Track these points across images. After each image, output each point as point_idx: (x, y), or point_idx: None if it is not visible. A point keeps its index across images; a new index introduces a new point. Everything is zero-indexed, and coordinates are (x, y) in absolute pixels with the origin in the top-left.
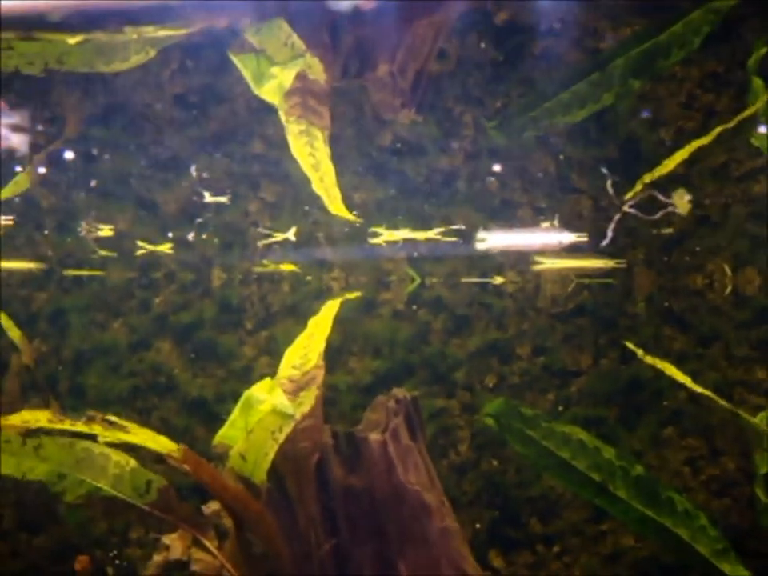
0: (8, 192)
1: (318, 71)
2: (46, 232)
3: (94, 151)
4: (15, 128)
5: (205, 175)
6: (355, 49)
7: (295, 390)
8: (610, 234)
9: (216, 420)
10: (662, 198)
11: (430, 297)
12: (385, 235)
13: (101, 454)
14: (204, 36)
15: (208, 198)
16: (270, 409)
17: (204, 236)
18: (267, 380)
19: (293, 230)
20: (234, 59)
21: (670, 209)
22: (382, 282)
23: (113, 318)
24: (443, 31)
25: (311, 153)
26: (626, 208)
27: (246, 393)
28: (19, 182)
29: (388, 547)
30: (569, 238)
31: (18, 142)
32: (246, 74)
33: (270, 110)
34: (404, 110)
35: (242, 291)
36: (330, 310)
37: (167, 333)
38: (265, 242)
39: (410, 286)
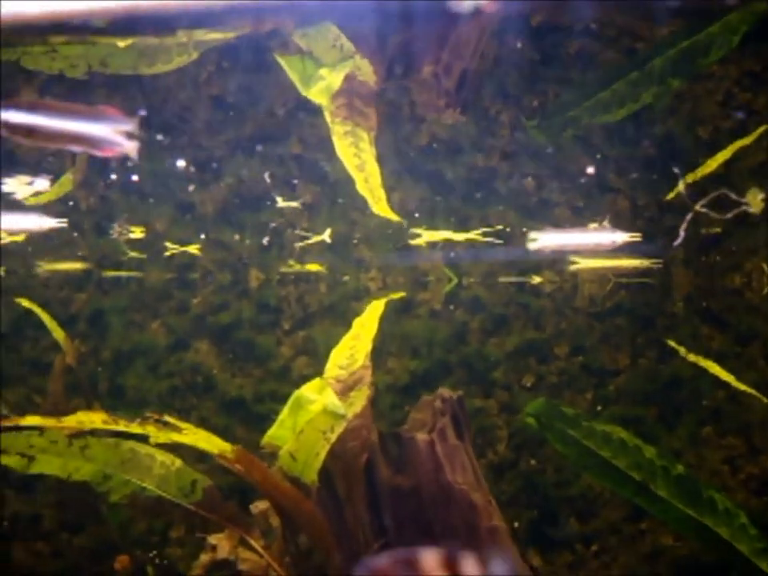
0: (52, 194)
1: (367, 73)
2: (84, 234)
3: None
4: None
5: (243, 176)
6: (400, 50)
7: (343, 390)
8: (682, 233)
9: (254, 420)
10: (734, 197)
11: (467, 297)
12: (425, 236)
13: (146, 455)
14: (240, 38)
15: (281, 202)
16: (321, 409)
17: (240, 237)
18: (317, 380)
19: (328, 231)
20: (281, 61)
21: (743, 207)
22: (420, 283)
23: (151, 318)
24: (486, 31)
25: (356, 154)
26: (698, 207)
27: (296, 393)
28: (63, 184)
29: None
30: (614, 237)
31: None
32: (293, 76)
33: (307, 111)
34: (448, 110)
35: (279, 292)
36: (374, 310)
37: (205, 333)
38: (301, 243)
39: (447, 286)
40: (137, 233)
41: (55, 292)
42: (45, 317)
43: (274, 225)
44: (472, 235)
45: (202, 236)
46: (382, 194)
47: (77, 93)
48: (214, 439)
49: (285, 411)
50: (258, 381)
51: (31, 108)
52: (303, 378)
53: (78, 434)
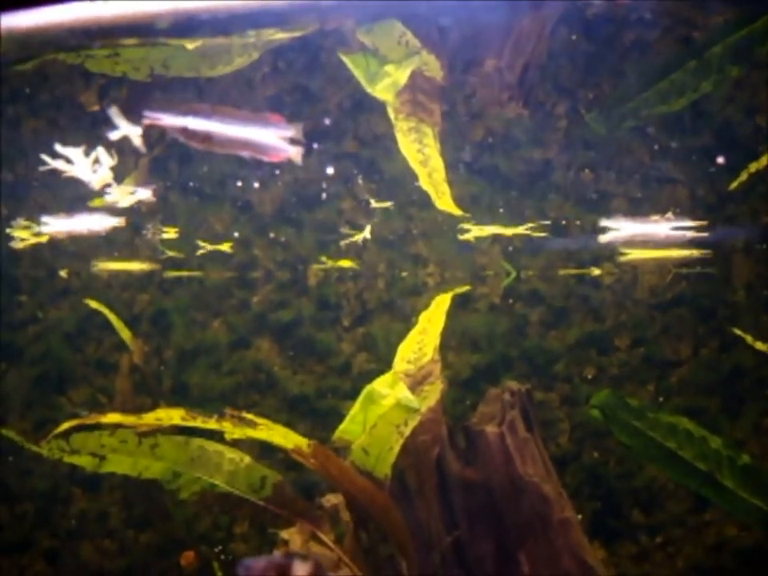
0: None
1: (434, 68)
2: (147, 234)
3: (191, 153)
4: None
5: (300, 175)
6: (462, 45)
7: (412, 384)
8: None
9: (317, 416)
10: None
11: (526, 290)
12: (474, 230)
13: (215, 452)
14: (297, 38)
15: (374, 203)
16: (394, 403)
17: (299, 235)
18: (389, 374)
19: (368, 228)
20: (344, 59)
21: None
22: (478, 277)
23: (212, 317)
24: (548, 24)
25: (420, 149)
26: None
27: (367, 388)
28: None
29: (508, 539)
30: (675, 228)
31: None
32: (358, 73)
33: (364, 108)
34: (511, 103)
35: (338, 288)
36: (441, 304)
37: (266, 331)
38: (345, 241)
39: (505, 279)
40: (170, 232)
41: (118, 293)
42: (111, 317)
43: (332, 222)
44: (521, 230)
45: (262, 235)
46: (445, 188)
47: (135, 96)
48: (291, 434)
49: (356, 406)
50: (320, 377)
51: (207, 114)
52: (364, 373)
53: (148, 433)
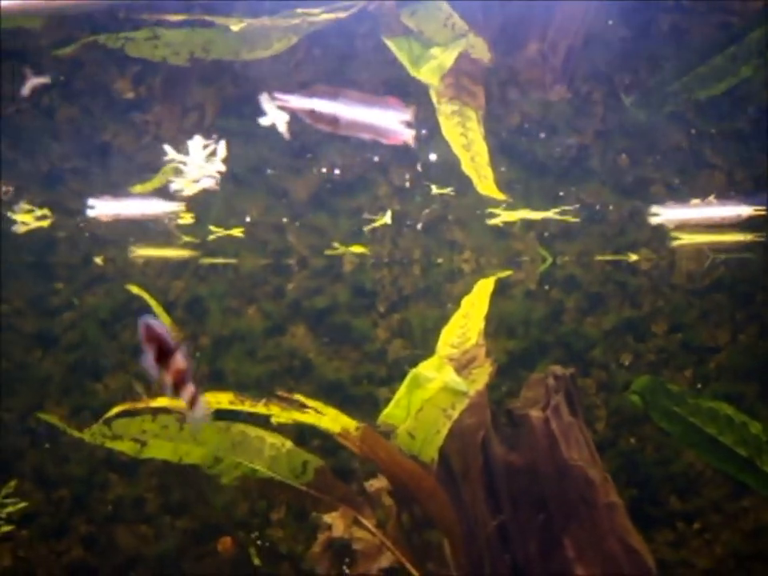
0: (156, 183)
1: (482, 50)
2: (180, 222)
3: (227, 140)
4: (160, 119)
5: (336, 162)
6: (505, 28)
7: (456, 368)
8: None
9: (352, 402)
10: None
11: (562, 276)
12: (503, 215)
13: (256, 437)
14: (334, 22)
15: (435, 189)
16: (441, 387)
17: (334, 222)
18: (435, 358)
19: (389, 213)
20: (388, 42)
21: None
22: (514, 263)
23: (247, 304)
24: (591, 8)
25: (463, 133)
26: None
27: (413, 371)
28: (166, 172)
29: (553, 524)
30: (713, 213)
31: (162, 133)
32: (401, 57)
33: (398, 94)
34: (555, 87)
35: (373, 275)
36: (483, 288)
37: (301, 318)
38: (368, 227)
39: (542, 265)
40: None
41: (153, 279)
42: (152, 302)
43: (368, 209)
44: (549, 214)
45: (296, 222)
46: (488, 172)
47: (171, 81)
48: (341, 417)
49: (401, 390)
50: (355, 363)
51: (333, 96)
52: (400, 359)
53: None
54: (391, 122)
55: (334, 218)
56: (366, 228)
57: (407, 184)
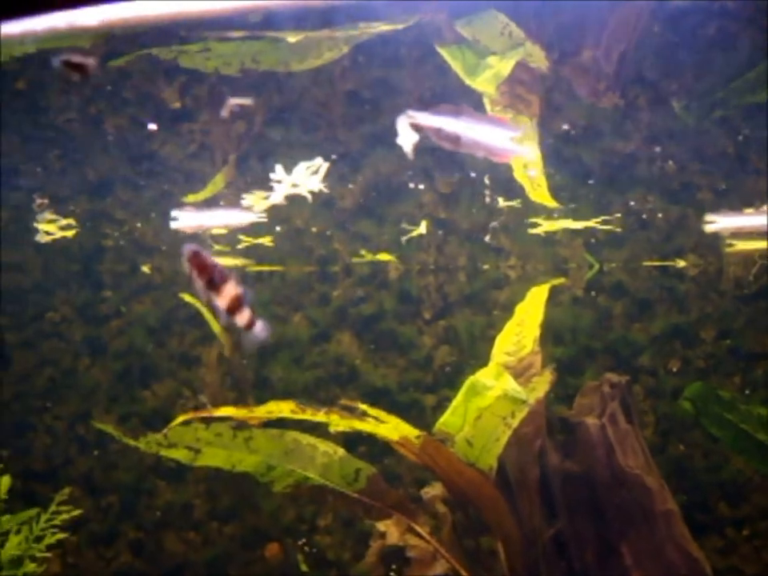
0: (207, 192)
1: (539, 59)
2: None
3: (270, 148)
4: (207, 128)
5: (380, 169)
6: (558, 35)
7: (512, 376)
8: None
9: (399, 409)
10: None
11: (609, 282)
12: (544, 225)
13: (308, 445)
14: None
15: (502, 203)
16: (501, 394)
17: (379, 229)
18: (493, 366)
19: (423, 223)
20: (441, 51)
21: None
22: (561, 269)
23: (293, 311)
24: (644, 14)
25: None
26: None
27: (471, 379)
28: (216, 182)
29: (609, 531)
30: (760, 219)
31: (210, 142)
32: (455, 65)
33: (441, 102)
34: (608, 93)
35: (419, 282)
36: (537, 296)
37: (347, 324)
38: (406, 237)
39: (589, 272)
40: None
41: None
42: (204, 310)
43: (412, 216)
44: (592, 223)
45: (341, 229)
46: (542, 180)
47: (216, 89)
48: (402, 425)
49: (458, 398)
50: (401, 370)
51: (456, 114)
52: (446, 366)
53: (243, 426)
54: (503, 140)
55: (378, 225)
56: (403, 238)
57: (449, 191)
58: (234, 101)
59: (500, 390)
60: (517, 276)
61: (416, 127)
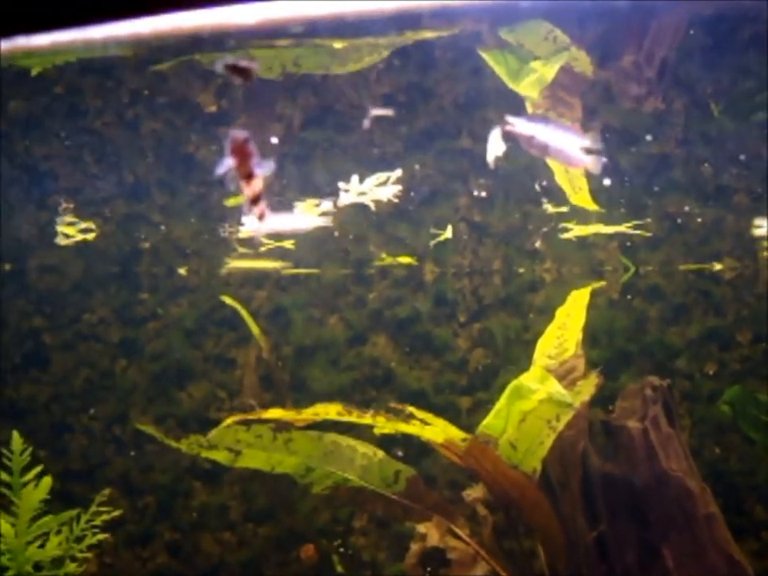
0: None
1: (584, 63)
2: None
3: (307, 151)
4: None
5: (415, 172)
6: (600, 40)
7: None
8: None
9: (435, 411)
10: None
11: (645, 285)
12: (576, 230)
13: (348, 447)
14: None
15: (551, 208)
16: (546, 398)
17: (415, 231)
18: (537, 369)
19: (449, 228)
20: (485, 56)
21: None
22: (596, 272)
23: (329, 314)
24: (686, 18)
25: None
26: None
27: (514, 383)
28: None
29: (651, 534)
30: None
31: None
32: (499, 70)
33: (477, 105)
34: (650, 98)
35: (454, 285)
36: (579, 299)
37: (382, 327)
38: (434, 241)
39: (624, 275)
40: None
41: (236, 290)
42: (243, 312)
43: (448, 220)
44: (623, 228)
45: (377, 231)
46: (583, 184)
47: (251, 92)
48: (450, 428)
49: (501, 401)
50: (437, 373)
51: (544, 122)
52: (481, 369)
53: (282, 428)
54: (575, 147)
55: (414, 227)
56: (431, 242)
57: (484, 193)
58: (375, 111)
59: (544, 393)
60: (552, 279)
61: (508, 135)
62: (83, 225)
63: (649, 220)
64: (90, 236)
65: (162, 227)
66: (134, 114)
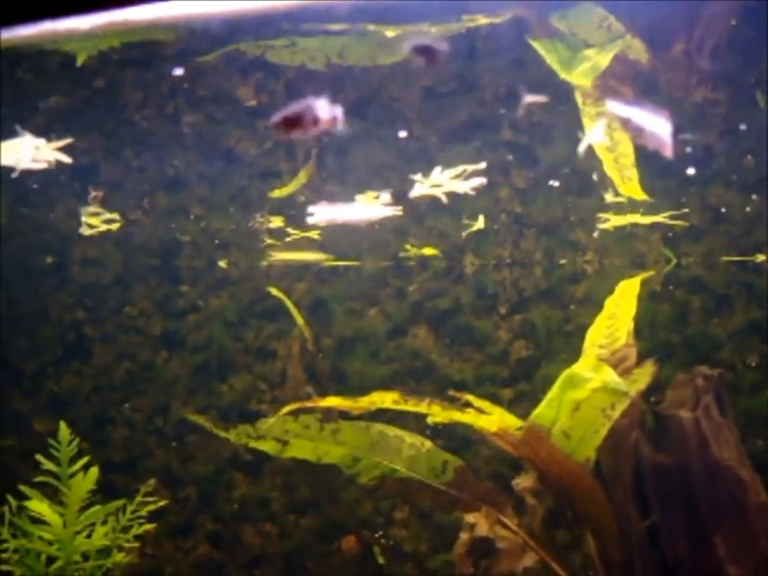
0: (291, 188)
1: (639, 51)
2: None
3: (346, 145)
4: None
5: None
6: (650, 29)
7: None
8: None
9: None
10: None
11: (687, 277)
12: (622, 219)
13: (395, 437)
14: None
15: (594, 199)
16: (601, 386)
17: (454, 223)
18: (590, 359)
19: (481, 218)
20: (535, 45)
21: None
22: (638, 264)
23: (369, 305)
24: (734, 7)
25: (608, 134)
26: None
27: (567, 372)
28: (300, 178)
29: (703, 524)
30: None
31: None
32: (551, 59)
33: (519, 96)
34: (700, 88)
35: (495, 276)
36: (627, 289)
37: (423, 319)
38: (466, 232)
39: (666, 267)
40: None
41: (276, 282)
42: (289, 303)
43: (488, 211)
44: (659, 218)
45: (416, 223)
46: (633, 174)
47: (292, 86)
48: (507, 417)
49: (554, 390)
50: (478, 365)
51: (630, 104)
52: (522, 361)
53: (330, 418)
54: (666, 134)
55: (454, 219)
56: (464, 233)
57: (524, 185)
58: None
59: (599, 381)
60: (594, 271)
61: (609, 115)
62: (107, 215)
63: (691, 211)
64: (114, 226)
65: (203, 220)
66: (175, 108)
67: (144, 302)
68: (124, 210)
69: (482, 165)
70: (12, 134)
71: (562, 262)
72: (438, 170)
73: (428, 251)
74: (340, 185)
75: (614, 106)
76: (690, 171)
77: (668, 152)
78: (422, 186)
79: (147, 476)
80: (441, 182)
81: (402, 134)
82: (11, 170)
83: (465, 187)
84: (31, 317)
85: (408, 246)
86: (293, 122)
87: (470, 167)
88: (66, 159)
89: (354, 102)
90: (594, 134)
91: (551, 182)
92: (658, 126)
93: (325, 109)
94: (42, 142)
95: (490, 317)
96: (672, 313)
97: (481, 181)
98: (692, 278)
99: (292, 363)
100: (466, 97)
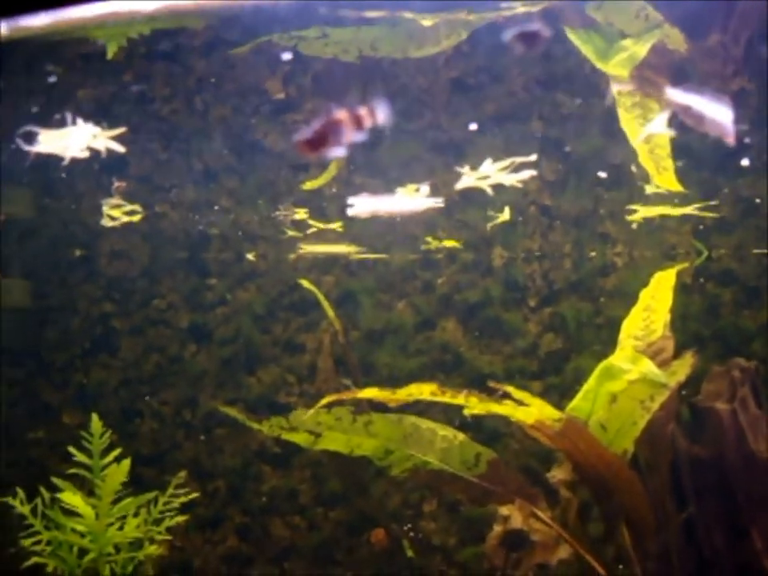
0: (322, 180)
1: (677, 41)
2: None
3: (376, 142)
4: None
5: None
6: (686, 19)
7: None
8: None
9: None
10: None
11: (718, 269)
12: (641, 212)
13: (427, 429)
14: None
15: (608, 189)
16: (639, 378)
17: (483, 215)
18: (628, 350)
19: (506, 210)
20: (571, 36)
21: None
22: (668, 256)
23: (398, 298)
24: None
25: (643, 125)
26: None
27: (604, 363)
28: (330, 170)
29: (740, 516)
30: None
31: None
32: (586, 50)
33: (548, 88)
34: (736, 78)
35: (524, 269)
36: (664, 280)
37: (451, 312)
38: (491, 224)
39: (697, 259)
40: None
41: (304, 274)
42: (320, 296)
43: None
44: (690, 210)
45: (445, 216)
46: (669, 164)
47: (319, 79)
48: (547, 408)
49: (590, 382)
50: (507, 357)
51: (690, 92)
52: (551, 354)
53: (362, 410)
54: (729, 121)
55: (482, 211)
56: (489, 225)
57: (554, 177)
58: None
59: (637, 373)
60: (623, 263)
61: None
62: (129, 207)
63: (717, 202)
64: (136, 218)
65: (231, 213)
66: (203, 101)
67: (172, 294)
68: (151, 202)
69: (533, 157)
70: (58, 123)
71: (592, 254)
72: (488, 161)
73: (454, 243)
74: (370, 177)
75: (674, 94)
76: (722, 163)
77: (731, 139)
78: (469, 178)
79: (176, 469)
80: (489, 173)
81: (429, 125)
82: (59, 159)
83: (512, 179)
84: (60, 310)
85: (429, 239)
86: (318, 142)
87: (519, 159)
88: (118, 148)
89: (383, 94)
90: (656, 125)
91: (581, 174)
92: (720, 114)
93: (363, 109)
94: (98, 130)
95: (519, 309)
96: (703, 305)
97: (531, 173)
98: (722, 270)
99: (323, 356)
100: (493, 89)
